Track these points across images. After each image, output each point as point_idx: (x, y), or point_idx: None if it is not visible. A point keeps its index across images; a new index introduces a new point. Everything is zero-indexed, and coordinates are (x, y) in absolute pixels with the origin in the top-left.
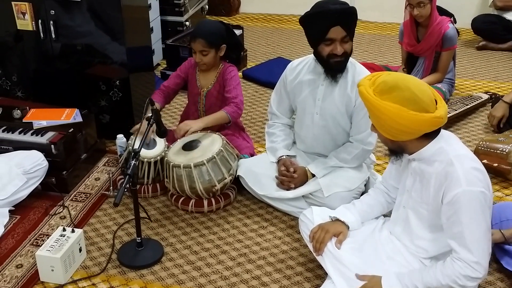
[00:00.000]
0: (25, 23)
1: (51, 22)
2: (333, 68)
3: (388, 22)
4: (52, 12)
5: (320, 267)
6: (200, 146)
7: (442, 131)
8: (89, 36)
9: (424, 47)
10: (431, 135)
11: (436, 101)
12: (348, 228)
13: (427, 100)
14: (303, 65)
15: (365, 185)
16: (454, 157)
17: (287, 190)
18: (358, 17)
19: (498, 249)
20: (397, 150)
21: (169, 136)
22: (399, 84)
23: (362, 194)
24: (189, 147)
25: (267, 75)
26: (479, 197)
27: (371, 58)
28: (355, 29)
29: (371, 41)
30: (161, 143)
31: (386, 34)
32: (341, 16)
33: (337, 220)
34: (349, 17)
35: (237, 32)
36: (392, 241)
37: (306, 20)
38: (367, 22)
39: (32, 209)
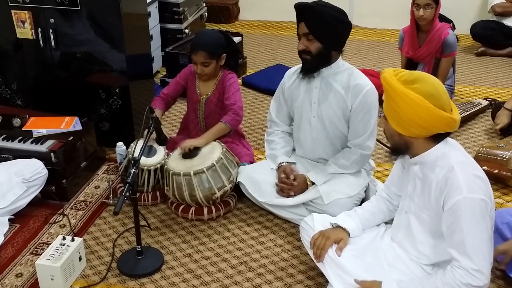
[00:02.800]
0: (24, 31)
1: (51, 30)
2: (303, 65)
3: (387, 28)
4: (52, 20)
5: (321, 275)
6: (200, 154)
7: (448, 138)
8: (88, 44)
9: (424, 53)
10: (438, 138)
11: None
12: (349, 235)
13: (446, 100)
14: (299, 71)
15: (365, 191)
16: (456, 164)
17: (287, 197)
18: (358, 24)
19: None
20: (401, 147)
21: (169, 144)
22: (424, 77)
23: (362, 201)
24: (189, 155)
25: (267, 82)
26: (480, 204)
27: (371, 64)
28: (354, 36)
29: (370, 47)
30: (161, 151)
31: (385, 40)
32: (300, 12)
33: (338, 226)
34: (309, 15)
35: (237, 39)
36: (393, 248)
37: None
38: (366, 29)
39: (32, 218)
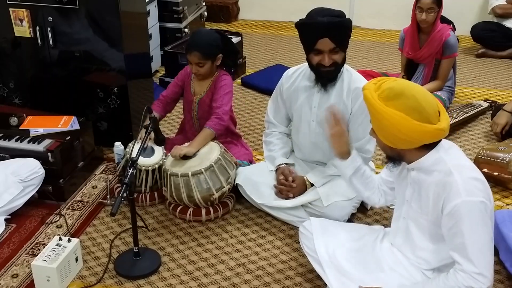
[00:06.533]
0: (22, 29)
1: (49, 28)
2: (323, 77)
3: (387, 29)
4: (50, 18)
5: (319, 277)
6: (198, 155)
7: (443, 140)
8: (87, 42)
9: (424, 54)
10: (430, 146)
11: (439, 112)
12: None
13: (431, 111)
14: (298, 73)
15: None
16: (453, 167)
17: (286, 199)
18: (358, 24)
19: (504, 251)
20: (395, 157)
21: (168, 145)
22: (405, 91)
23: (362, 203)
24: (187, 155)
25: (266, 82)
26: (480, 207)
27: (371, 65)
28: (354, 36)
29: (370, 48)
30: (159, 151)
31: (385, 41)
32: (328, 29)
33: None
34: (338, 30)
35: (236, 39)
36: (393, 252)
37: (298, 28)
38: (366, 29)
39: (28, 218)
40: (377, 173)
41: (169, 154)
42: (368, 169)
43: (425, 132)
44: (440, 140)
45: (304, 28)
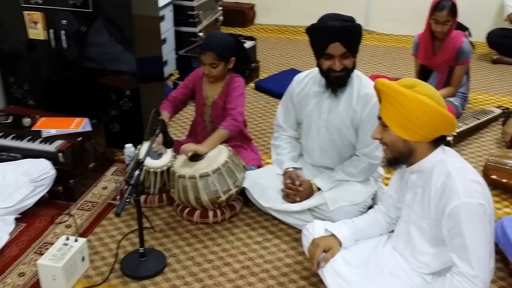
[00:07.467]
0: (37, 32)
1: (63, 31)
2: (333, 82)
3: (403, 34)
4: (64, 21)
5: (323, 281)
6: (206, 157)
7: (444, 146)
8: (100, 46)
9: (438, 60)
10: (438, 143)
11: None
12: (341, 244)
13: (443, 102)
14: (309, 78)
15: (372, 199)
16: (453, 170)
17: (293, 203)
18: (373, 29)
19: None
20: (402, 155)
21: (176, 147)
22: (420, 82)
23: (369, 208)
24: (195, 158)
25: (279, 86)
26: (478, 209)
27: (385, 70)
28: (370, 41)
29: (385, 53)
30: (168, 153)
31: (401, 46)
32: (339, 33)
33: (332, 234)
34: (349, 35)
35: (250, 43)
36: (395, 257)
37: (308, 33)
38: (382, 34)
39: (38, 217)
40: (387, 178)
41: (177, 156)
42: (358, 222)
43: (444, 120)
44: (445, 139)
45: (315, 32)
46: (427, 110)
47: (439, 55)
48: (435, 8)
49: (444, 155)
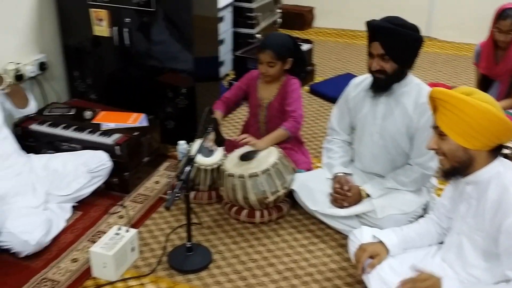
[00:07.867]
0: (101, 29)
1: (126, 29)
2: (373, 82)
3: (466, 42)
4: (128, 19)
5: None
6: (257, 158)
7: (503, 158)
8: (160, 44)
9: (500, 70)
10: (497, 152)
11: None
12: (388, 251)
13: (501, 109)
14: (366, 83)
15: (423, 209)
16: (510, 184)
17: (341, 208)
18: (435, 36)
19: None
20: (462, 164)
21: (228, 146)
22: (477, 90)
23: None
24: (246, 157)
25: (334, 91)
26: None
27: (445, 78)
28: (431, 48)
29: (446, 61)
30: (219, 152)
31: (463, 54)
32: (377, 32)
33: (380, 241)
34: (389, 37)
35: (306, 46)
36: (443, 268)
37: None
38: (444, 42)
39: (93, 207)
40: (440, 189)
41: (228, 155)
42: (408, 231)
43: (506, 127)
44: (501, 150)
45: (366, 28)
46: (490, 116)
47: (501, 65)
48: (499, 17)
49: (502, 168)
